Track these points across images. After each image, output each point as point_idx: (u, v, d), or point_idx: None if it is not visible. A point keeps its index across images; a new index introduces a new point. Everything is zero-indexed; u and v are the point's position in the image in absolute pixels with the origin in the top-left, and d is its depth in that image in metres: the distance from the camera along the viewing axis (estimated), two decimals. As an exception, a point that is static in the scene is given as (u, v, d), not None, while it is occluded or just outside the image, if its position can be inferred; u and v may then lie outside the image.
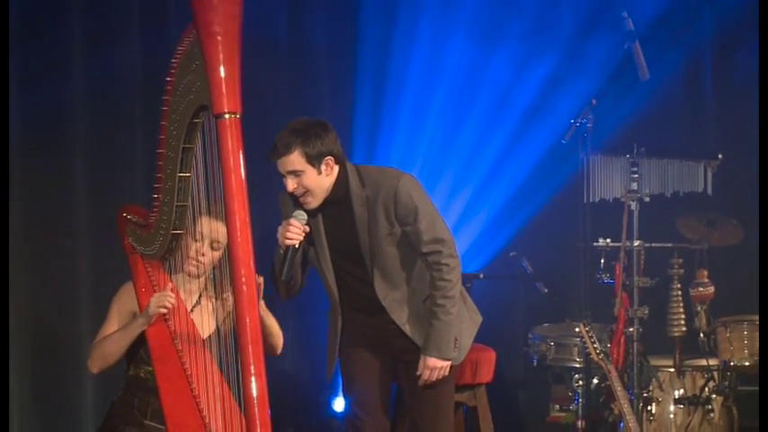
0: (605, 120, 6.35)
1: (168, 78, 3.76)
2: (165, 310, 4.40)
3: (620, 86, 6.47)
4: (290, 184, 4.50)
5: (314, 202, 4.55)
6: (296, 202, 4.58)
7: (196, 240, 4.50)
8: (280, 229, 4.54)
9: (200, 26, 3.45)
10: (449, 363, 4.66)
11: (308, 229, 4.54)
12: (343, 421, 5.03)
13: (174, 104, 3.78)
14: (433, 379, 4.66)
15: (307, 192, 4.52)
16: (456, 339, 4.66)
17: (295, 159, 4.46)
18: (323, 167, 4.50)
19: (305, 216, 4.54)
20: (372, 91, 6.95)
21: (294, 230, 4.50)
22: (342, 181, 4.57)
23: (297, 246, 4.51)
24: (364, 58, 6.94)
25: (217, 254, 4.53)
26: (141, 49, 6.22)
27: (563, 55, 7.02)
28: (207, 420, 4.26)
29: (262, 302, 4.47)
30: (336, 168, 4.55)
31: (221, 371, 4.36)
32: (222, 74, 3.45)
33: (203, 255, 4.53)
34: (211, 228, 4.43)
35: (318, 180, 4.51)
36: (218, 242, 4.50)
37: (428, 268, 4.64)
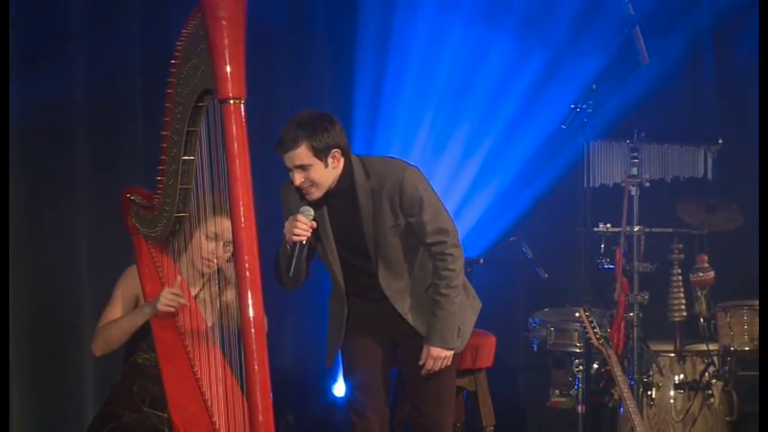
0: (605, 105, 6.35)
1: (173, 61, 3.74)
2: (173, 310, 4.39)
3: (620, 71, 6.47)
4: (298, 179, 4.45)
5: (317, 193, 4.50)
6: (300, 195, 4.54)
7: (209, 240, 4.49)
8: (286, 224, 4.50)
9: (205, 10, 3.42)
10: (452, 352, 4.66)
11: (315, 224, 4.49)
12: (344, 406, 5.02)
13: (178, 87, 3.75)
14: (437, 368, 4.66)
15: (312, 184, 4.48)
16: (459, 328, 4.66)
17: (302, 153, 4.41)
18: (330, 160, 4.47)
19: (311, 212, 4.49)
20: (373, 76, 6.92)
21: (301, 226, 4.45)
22: (347, 173, 4.53)
23: (304, 242, 4.47)
24: (365, 44, 6.92)
25: (229, 253, 4.50)
26: (142, 31, 6.19)
27: (563, 40, 7.01)
28: (209, 404, 4.26)
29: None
30: (342, 161, 4.52)
31: (224, 357, 4.35)
32: (227, 59, 3.41)
33: (218, 257, 4.51)
34: (223, 227, 4.40)
35: (325, 173, 4.48)
36: (232, 242, 4.48)
37: (431, 258, 4.63)
